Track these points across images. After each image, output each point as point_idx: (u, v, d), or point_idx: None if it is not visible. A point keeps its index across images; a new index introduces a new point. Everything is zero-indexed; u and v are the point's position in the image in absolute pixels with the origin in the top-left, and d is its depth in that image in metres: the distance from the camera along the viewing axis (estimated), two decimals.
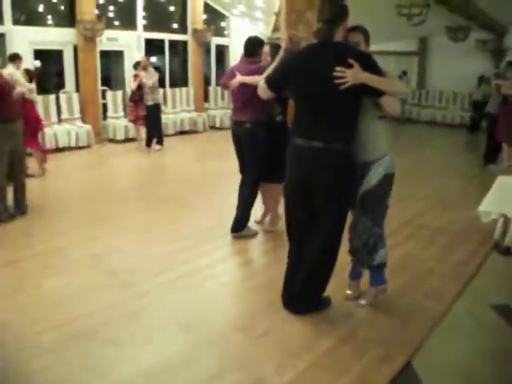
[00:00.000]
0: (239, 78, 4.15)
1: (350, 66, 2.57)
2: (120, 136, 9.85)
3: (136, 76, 8.64)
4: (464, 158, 8.92)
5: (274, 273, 3.68)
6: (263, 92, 3.02)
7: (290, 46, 3.65)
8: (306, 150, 2.76)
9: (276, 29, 12.44)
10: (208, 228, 4.79)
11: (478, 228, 4.73)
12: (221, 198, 6.07)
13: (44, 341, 2.73)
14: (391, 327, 3.00)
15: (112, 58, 10.94)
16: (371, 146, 2.91)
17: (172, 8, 12.01)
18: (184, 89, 11.95)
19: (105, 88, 10.22)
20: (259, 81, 3.08)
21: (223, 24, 13.48)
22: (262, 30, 14.15)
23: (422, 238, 4.63)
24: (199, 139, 10.93)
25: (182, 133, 11.14)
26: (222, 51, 13.57)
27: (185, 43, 12.12)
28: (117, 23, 10.70)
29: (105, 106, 10.13)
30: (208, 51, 12.89)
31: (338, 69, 2.56)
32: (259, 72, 3.78)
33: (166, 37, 11.66)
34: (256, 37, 4.49)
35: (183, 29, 11.98)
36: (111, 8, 10.64)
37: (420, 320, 3.10)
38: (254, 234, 4.54)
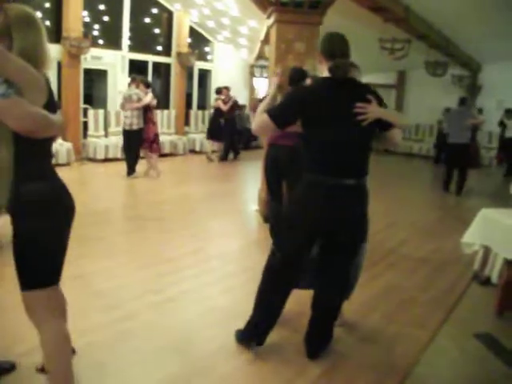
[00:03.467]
0: None
1: (368, 102, 2.58)
2: (100, 155, 9.80)
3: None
4: (440, 189, 9.13)
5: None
6: (265, 127, 2.69)
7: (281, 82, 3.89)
8: (337, 188, 2.60)
9: (260, 56, 12.67)
10: (192, 252, 4.78)
11: (458, 258, 4.86)
12: (202, 222, 6.06)
13: (26, 362, 2.64)
14: (379, 355, 3.02)
15: (95, 77, 10.95)
16: None
17: (157, 30, 12.13)
18: (165, 111, 11.99)
19: (86, 106, 10.18)
20: (257, 115, 2.82)
21: (207, 49, 13.66)
22: (245, 57, 14.39)
23: (404, 267, 4.70)
24: (179, 162, 10.93)
25: (161, 155, 11.08)
26: (204, 75, 13.72)
27: (168, 66, 12.23)
28: (102, 42, 10.72)
29: (86, 124, 10.07)
30: (190, 75, 13.00)
31: (359, 105, 2.54)
32: None
33: (150, 58, 11.74)
34: (301, 68, 4.77)
35: (167, 51, 12.09)
36: (96, 27, 10.68)
37: (405, 347, 3.13)
38: None
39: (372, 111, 2.55)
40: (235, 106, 11.27)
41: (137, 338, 3.04)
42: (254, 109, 4.81)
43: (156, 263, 4.39)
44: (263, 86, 15.83)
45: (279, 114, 2.67)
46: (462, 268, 4.70)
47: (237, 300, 3.75)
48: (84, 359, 2.72)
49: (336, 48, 2.66)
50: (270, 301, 2.92)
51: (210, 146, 11.35)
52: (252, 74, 14.87)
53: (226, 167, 10.70)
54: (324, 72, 2.69)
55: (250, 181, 9.72)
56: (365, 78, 4.59)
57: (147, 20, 11.76)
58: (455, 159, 8.83)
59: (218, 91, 11.33)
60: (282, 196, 4.89)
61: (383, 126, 2.67)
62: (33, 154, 1.91)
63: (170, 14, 11.88)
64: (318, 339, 2.96)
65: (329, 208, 2.61)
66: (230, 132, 11.14)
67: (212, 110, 11.58)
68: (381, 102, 2.67)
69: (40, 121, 1.72)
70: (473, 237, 3.83)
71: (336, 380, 2.72)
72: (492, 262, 4.29)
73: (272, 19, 5.70)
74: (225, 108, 10.83)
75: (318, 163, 2.64)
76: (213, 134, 11.11)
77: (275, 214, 4.81)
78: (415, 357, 3.00)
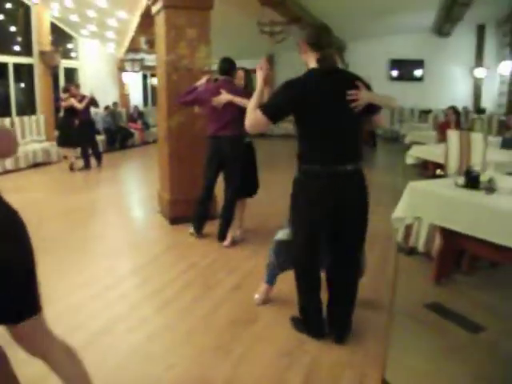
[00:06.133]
0: (228, 97, 4.37)
1: (357, 88, 2.67)
2: None
3: None
4: None
5: (201, 313, 3.39)
6: (260, 123, 2.68)
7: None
8: (339, 175, 2.71)
9: (132, 49, 11.99)
10: (107, 270, 4.22)
11: (376, 232, 4.92)
12: (101, 236, 5.38)
13: None
14: (349, 348, 2.89)
15: None
16: None
17: (14, 28, 10.84)
18: (33, 117, 10.85)
19: None
20: (249, 113, 2.72)
21: (70, 46, 12.62)
22: (113, 52, 13.57)
23: None
24: (54, 171, 9.70)
25: (35, 165, 9.89)
26: (71, 74, 12.66)
27: (30, 66, 11.02)
28: None
29: None
30: (56, 75, 11.90)
31: (350, 92, 2.63)
32: (242, 93, 4.23)
33: (9, 60, 10.49)
34: (230, 58, 4.71)
35: (28, 51, 10.89)
36: None
37: (370, 334, 3.06)
38: None
39: (362, 97, 2.66)
40: (92, 104, 9.63)
41: None
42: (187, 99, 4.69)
43: (68, 292, 3.72)
44: (134, 81, 15.15)
45: (274, 109, 2.70)
46: (384, 242, 4.80)
47: (177, 319, 3.33)
48: None
49: (323, 39, 2.70)
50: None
51: (65, 153, 9.87)
52: (121, 69, 14.11)
53: (106, 171, 9.70)
54: (311, 63, 2.72)
55: (137, 183, 9.13)
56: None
57: (0, 17, 10.44)
58: None
59: (66, 89, 9.72)
60: (213, 193, 5.00)
61: (373, 109, 2.81)
62: None
63: (27, 8, 10.66)
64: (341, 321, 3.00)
65: (332, 196, 2.70)
66: (88, 135, 9.71)
67: (62, 112, 9.84)
68: (368, 87, 2.78)
69: None
70: (404, 211, 3.83)
71: None
72: (416, 233, 4.42)
73: (159, 5, 5.24)
74: (80, 106, 9.28)
75: (317, 153, 2.72)
76: (66, 139, 9.55)
77: (202, 215, 4.70)
78: (385, 341, 2.91)
